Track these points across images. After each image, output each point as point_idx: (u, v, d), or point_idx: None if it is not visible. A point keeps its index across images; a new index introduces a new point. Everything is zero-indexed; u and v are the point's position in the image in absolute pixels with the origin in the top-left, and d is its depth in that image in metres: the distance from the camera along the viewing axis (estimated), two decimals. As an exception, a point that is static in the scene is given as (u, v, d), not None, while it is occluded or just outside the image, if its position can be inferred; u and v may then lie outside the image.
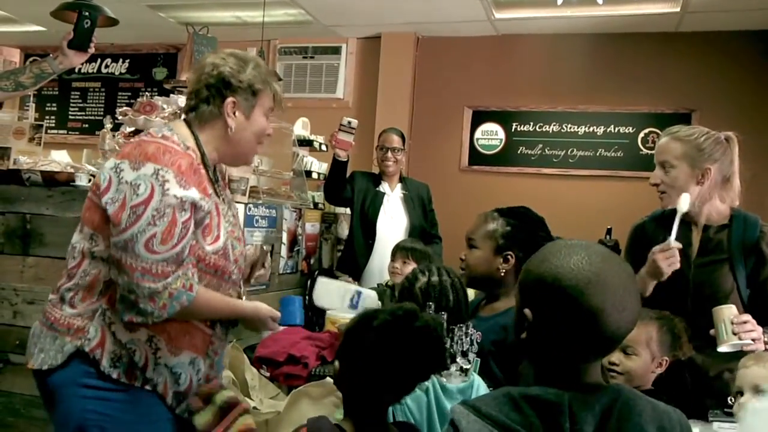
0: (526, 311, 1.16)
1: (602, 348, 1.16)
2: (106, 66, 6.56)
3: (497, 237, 2.13)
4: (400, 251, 3.45)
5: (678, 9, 4.73)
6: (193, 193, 1.67)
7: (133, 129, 3.05)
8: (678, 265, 2.06)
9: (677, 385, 2.03)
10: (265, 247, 2.09)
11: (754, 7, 4.61)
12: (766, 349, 1.93)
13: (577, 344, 1.13)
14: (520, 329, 1.18)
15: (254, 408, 2.76)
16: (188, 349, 1.76)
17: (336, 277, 4.01)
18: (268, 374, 3.05)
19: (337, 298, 3.15)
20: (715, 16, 4.83)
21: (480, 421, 1.09)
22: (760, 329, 1.95)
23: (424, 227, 3.98)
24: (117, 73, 6.54)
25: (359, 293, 3.17)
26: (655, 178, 2.20)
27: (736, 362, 1.98)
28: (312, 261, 4.20)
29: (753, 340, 1.92)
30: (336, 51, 5.69)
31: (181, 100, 3.22)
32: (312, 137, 4.28)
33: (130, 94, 6.39)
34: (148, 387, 1.70)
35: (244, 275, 2.05)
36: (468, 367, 1.76)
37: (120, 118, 3.19)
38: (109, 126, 3.28)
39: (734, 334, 1.91)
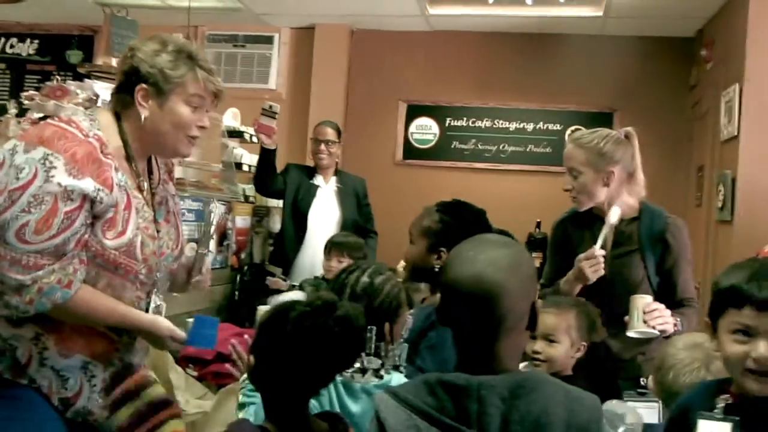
0: (439, 305, 1.27)
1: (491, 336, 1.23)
2: (12, 46, 6.04)
3: (430, 234, 2.15)
4: (334, 248, 3.42)
5: (601, 13, 4.92)
6: (86, 184, 1.56)
7: (41, 115, 2.88)
8: (602, 273, 2.16)
9: (594, 369, 2.11)
10: (202, 251, 1.97)
11: (672, 15, 4.84)
12: (675, 332, 2.07)
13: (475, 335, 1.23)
14: (439, 320, 1.30)
15: (180, 408, 2.68)
16: (82, 353, 1.65)
17: (269, 273, 3.95)
18: (195, 373, 2.97)
19: None
20: (636, 21, 5.04)
21: (398, 406, 1.16)
22: (669, 318, 2.07)
23: (357, 221, 3.96)
24: (24, 54, 6.03)
25: None
26: (566, 184, 2.31)
27: (648, 346, 2.17)
28: (243, 255, 4.13)
29: (661, 331, 2.05)
30: (268, 41, 5.58)
31: (98, 86, 3.08)
32: (242, 128, 4.19)
33: (39, 77, 5.83)
34: (35, 385, 1.60)
35: (180, 281, 1.95)
36: (377, 367, 1.72)
37: (26, 102, 3.00)
38: (13, 111, 3.09)
39: (644, 322, 2.03)
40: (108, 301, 1.64)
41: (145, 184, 1.76)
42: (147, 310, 1.75)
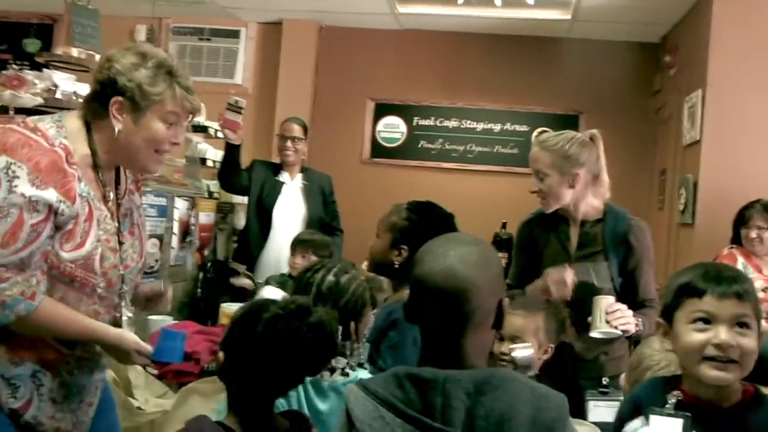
0: (407, 301, 1.29)
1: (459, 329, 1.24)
2: (-36, 33, 5.81)
3: (395, 230, 2.16)
4: (299, 245, 3.39)
5: (569, 16, 4.98)
6: (50, 195, 1.51)
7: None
8: (568, 297, 2.19)
9: (559, 369, 2.13)
10: (164, 283, 1.90)
11: (638, 21, 4.93)
12: (636, 333, 2.12)
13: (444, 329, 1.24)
14: (406, 317, 1.31)
15: (138, 408, 2.64)
16: (32, 361, 1.60)
17: (233, 270, 3.90)
18: (155, 372, 2.92)
19: None
20: (603, 26, 5.12)
21: (366, 398, 1.18)
22: (631, 319, 2.10)
23: (323, 219, 3.94)
24: (-23, 42, 5.80)
25: None
26: (532, 186, 2.33)
27: (610, 346, 2.22)
28: (206, 252, 4.08)
29: (623, 331, 2.08)
30: (234, 35, 5.50)
31: (57, 77, 3.00)
32: (207, 123, 4.12)
33: (-7, 66, 5.75)
34: None
35: (137, 302, 1.88)
36: (343, 366, 1.72)
37: (-19, 92, 2.91)
38: (-33, 101, 2.99)
39: (607, 322, 2.06)
40: (71, 314, 1.59)
41: (111, 195, 1.71)
42: (119, 324, 1.70)
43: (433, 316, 1.23)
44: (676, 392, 1.33)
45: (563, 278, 2.18)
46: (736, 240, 3.70)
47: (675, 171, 4.58)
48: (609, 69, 5.39)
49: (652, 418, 1.30)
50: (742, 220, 3.67)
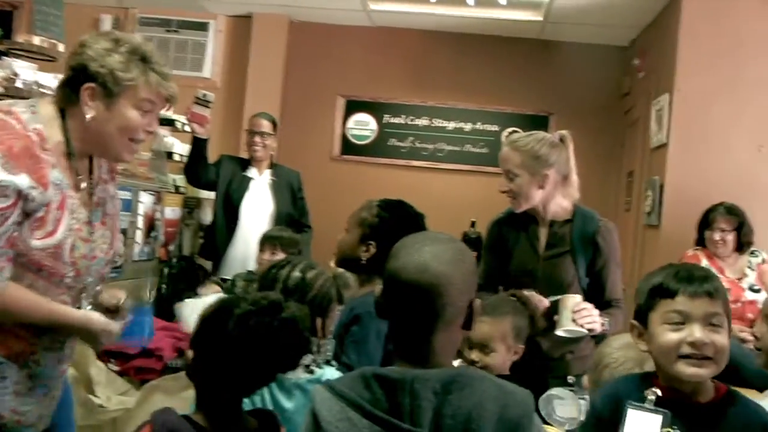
0: (379, 296, 1.29)
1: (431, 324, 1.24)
2: None
3: (365, 226, 2.16)
4: (268, 241, 3.37)
5: (541, 18, 5.01)
6: (21, 180, 1.47)
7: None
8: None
9: (524, 368, 2.16)
10: (126, 301, 1.82)
11: (608, 24, 4.98)
12: (602, 332, 2.14)
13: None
14: (377, 311, 1.31)
15: (100, 406, 2.60)
16: None
17: (198, 266, 3.86)
18: (117, 368, 2.89)
19: None
20: (574, 28, 5.16)
21: (333, 399, 1.17)
22: (597, 318, 2.13)
23: (292, 215, 3.91)
24: (-68, 28, 5.72)
25: None
26: (502, 185, 2.34)
27: (576, 345, 2.24)
28: (171, 248, 4.02)
29: (589, 330, 2.11)
30: (203, 27, 5.42)
31: (17, 65, 2.92)
32: (174, 117, 4.06)
33: (-50, 53, 5.58)
34: None
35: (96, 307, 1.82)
36: (308, 363, 1.71)
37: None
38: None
39: (573, 321, 2.09)
40: (37, 299, 1.56)
41: (83, 184, 1.67)
42: None
43: (405, 310, 1.24)
44: (654, 389, 1.35)
45: (540, 307, 2.21)
46: (701, 242, 3.76)
47: (642, 173, 4.64)
48: (579, 71, 5.42)
49: (631, 412, 1.32)
50: (706, 222, 3.73)
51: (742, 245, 3.69)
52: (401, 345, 1.26)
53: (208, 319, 1.41)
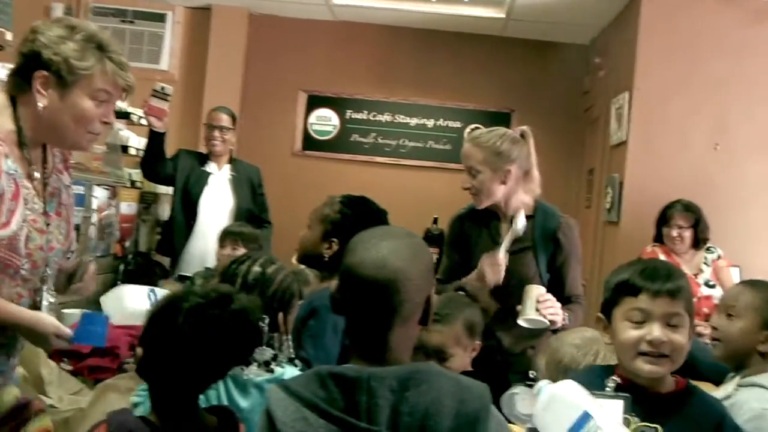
0: (335, 291, 1.26)
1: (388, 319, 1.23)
2: None
3: (327, 222, 2.15)
4: (228, 237, 3.33)
5: (503, 15, 5.04)
6: None
7: None
8: (501, 279, 2.20)
9: (487, 363, 2.15)
10: (87, 258, 1.81)
11: (570, 22, 5.03)
12: (563, 326, 2.14)
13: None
14: (333, 307, 1.29)
15: (51, 406, 2.53)
16: None
17: (155, 262, 3.79)
18: (70, 368, 2.83)
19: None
20: (536, 26, 5.20)
21: (288, 399, 1.15)
22: (560, 310, 2.14)
23: (252, 211, 3.87)
24: None
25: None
26: (464, 182, 2.33)
27: (537, 340, 2.24)
28: (127, 243, 3.94)
29: (551, 321, 2.11)
30: (160, 18, 5.30)
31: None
32: (130, 110, 3.96)
33: None
34: None
35: (58, 284, 1.78)
36: (268, 359, 1.69)
37: None
38: None
39: (536, 310, 2.09)
40: None
41: (37, 174, 1.62)
42: (39, 308, 1.61)
43: (362, 306, 1.22)
44: (614, 377, 1.40)
45: (496, 259, 2.19)
46: (659, 238, 3.82)
47: (602, 170, 4.70)
48: (541, 68, 5.48)
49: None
50: (664, 219, 3.79)
51: (699, 242, 3.76)
52: (358, 342, 1.25)
53: (156, 314, 1.38)
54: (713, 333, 1.86)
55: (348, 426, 1.12)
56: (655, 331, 1.36)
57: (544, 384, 1.33)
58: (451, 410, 1.14)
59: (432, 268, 1.32)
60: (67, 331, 1.62)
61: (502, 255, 2.20)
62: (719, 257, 3.81)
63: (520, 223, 2.24)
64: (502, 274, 2.20)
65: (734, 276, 3.81)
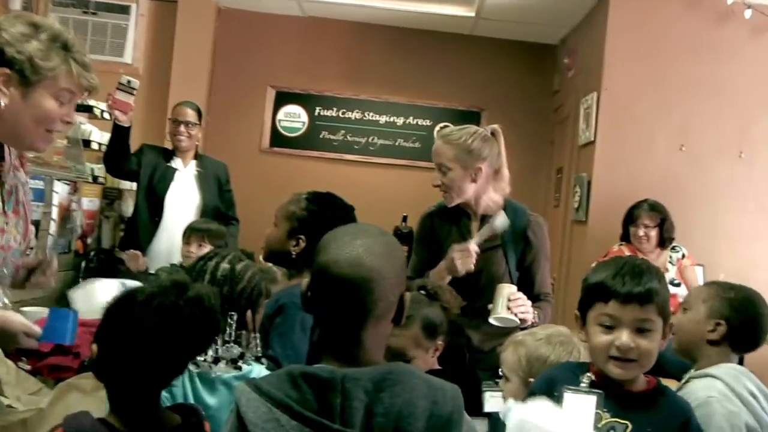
0: (307, 289, 1.25)
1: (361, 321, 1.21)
2: None
3: (293, 219, 2.12)
4: (194, 234, 3.29)
5: (473, 14, 5.05)
6: None
7: None
8: (472, 268, 2.19)
9: (456, 361, 2.16)
10: (49, 252, 1.76)
11: (539, 22, 5.07)
12: (533, 324, 2.15)
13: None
14: (305, 306, 1.27)
15: (9, 407, 2.45)
16: None
17: (119, 260, 3.71)
18: (28, 367, 2.73)
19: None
20: (506, 25, 5.22)
21: (259, 399, 1.12)
22: (530, 309, 2.16)
23: (218, 207, 3.81)
24: None
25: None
26: (435, 179, 2.32)
27: (506, 338, 2.19)
28: (89, 240, 3.84)
29: (522, 320, 2.13)
30: (124, 10, 5.17)
31: None
32: (92, 103, 3.87)
33: None
34: None
35: (18, 279, 1.75)
36: (235, 356, 1.67)
37: None
38: None
39: (508, 309, 2.11)
40: None
41: None
42: None
43: (336, 305, 1.20)
44: (588, 374, 1.46)
45: (467, 247, 2.19)
46: (625, 237, 3.86)
47: (571, 170, 4.73)
48: (511, 68, 5.50)
49: (567, 395, 1.41)
50: (630, 218, 3.83)
51: (664, 241, 3.81)
52: (330, 341, 1.22)
53: (111, 309, 1.34)
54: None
55: (321, 428, 1.10)
56: (623, 337, 1.41)
57: (512, 406, 1.32)
58: (424, 412, 1.13)
59: (405, 266, 1.31)
60: (36, 328, 1.58)
61: (473, 245, 2.20)
62: (684, 256, 3.87)
63: (499, 220, 2.24)
64: (473, 263, 2.19)
65: (698, 274, 3.87)
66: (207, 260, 1.82)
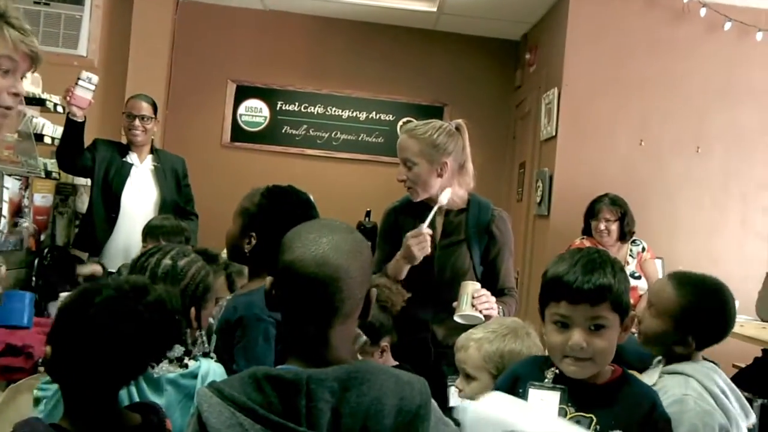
0: (272, 287, 1.22)
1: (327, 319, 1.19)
2: None
3: (245, 215, 2.05)
4: (150, 234, 3.18)
5: (435, 9, 5.04)
6: None
7: None
8: (429, 251, 2.18)
9: (421, 356, 2.16)
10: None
11: (501, 18, 5.08)
12: None
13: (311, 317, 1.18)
14: (268, 304, 1.24)
15: (-45, 410, 2.35)
16: None
17: (73, 257, 3.61)
18: None
19: None
20: (468, 20, 5.23)
21: (222, 403, 1.09)
22: (495, 305, 2.15)
23: (177, 202, 3.73)
24: None
25: None
26: (400, 174, 2.30)
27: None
28: (43, 237, 3.73)
29: (486, 316, 2.11)
30: (78, 1, 5.03)
31: None
32: (45, 96, 3.75)
33: None
34: None
35: None
36: (179, 355, 1.61)
37: None
38: None
39: (472, 306, 2.09)
40: None
41: None
42: None
43: (302, 304, 1.17)
44: (553, 369, 1.45)
45: (420, 232, 2.16)
46: (587, 231, 3.90)
47: (533, 164, 4.75)
48: (473, 63, 5.51)
49: (532, 391, 1.41)
50: (591, 212, 3.87)
51: (625, 234, 3.86)
52: (295, 341, 1.20)
53: (67, 308, 1.29)
54: (637, 326, 1.88)
55: (286, 431, 1.07)
56: (575, 337, 1.39)
57: (467, 405, 1.31)
58: (392, 408, 1.11)
59: (371, 262, 1.28)
60: None
61: (425, 228, 2.17)
62: (644, 249, 3.92)
63: (444, 197, 2.23)
64: (428, 248, 2.17)
65: (658, 267, 3.93)
66: (149, 256, 1.73)
